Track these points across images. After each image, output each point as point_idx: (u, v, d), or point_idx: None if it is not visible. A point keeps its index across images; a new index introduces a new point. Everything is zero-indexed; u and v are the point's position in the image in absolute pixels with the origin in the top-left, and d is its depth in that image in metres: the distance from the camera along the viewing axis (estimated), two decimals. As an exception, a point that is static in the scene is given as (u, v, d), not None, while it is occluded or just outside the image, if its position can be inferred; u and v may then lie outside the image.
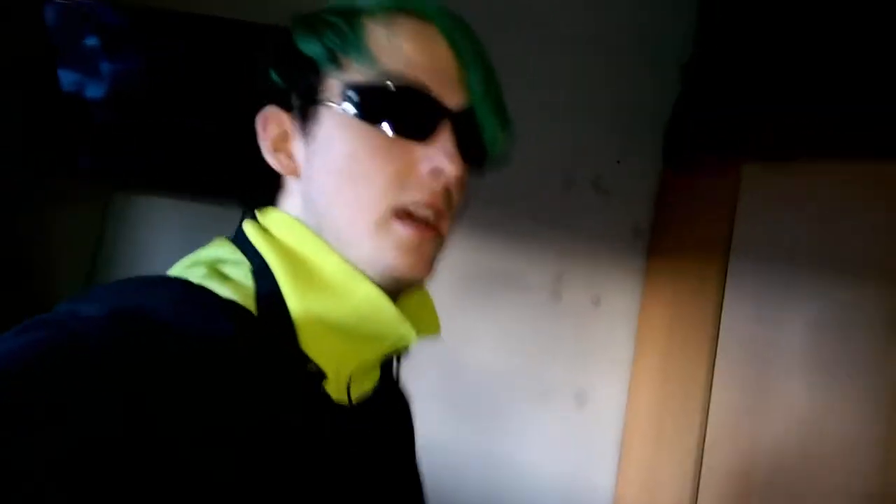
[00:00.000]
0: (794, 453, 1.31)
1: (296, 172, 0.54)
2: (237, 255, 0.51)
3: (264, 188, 0.56)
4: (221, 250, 0.52)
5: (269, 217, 0.55)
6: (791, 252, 1.34)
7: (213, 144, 1.50)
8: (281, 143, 0.54)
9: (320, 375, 0.49)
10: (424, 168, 0.50)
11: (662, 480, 1.55)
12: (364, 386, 0.55)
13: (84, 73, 1.48)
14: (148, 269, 1.61)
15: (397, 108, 0.50)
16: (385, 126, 0.50)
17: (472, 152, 0.54)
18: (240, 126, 0.57)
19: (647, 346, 1.72)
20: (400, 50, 0.51)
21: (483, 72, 0.53)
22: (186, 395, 0.40)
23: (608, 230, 1.78)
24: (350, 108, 0.50)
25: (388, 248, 0.50)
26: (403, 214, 0.50)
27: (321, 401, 0.50)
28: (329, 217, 0.51)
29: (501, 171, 0.62)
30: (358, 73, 0.51)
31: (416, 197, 0.50)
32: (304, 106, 0.53)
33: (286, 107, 0.54)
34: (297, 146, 0.53)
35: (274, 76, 0.54)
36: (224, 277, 0.50)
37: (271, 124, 0.55)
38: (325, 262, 0.50)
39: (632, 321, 1.79)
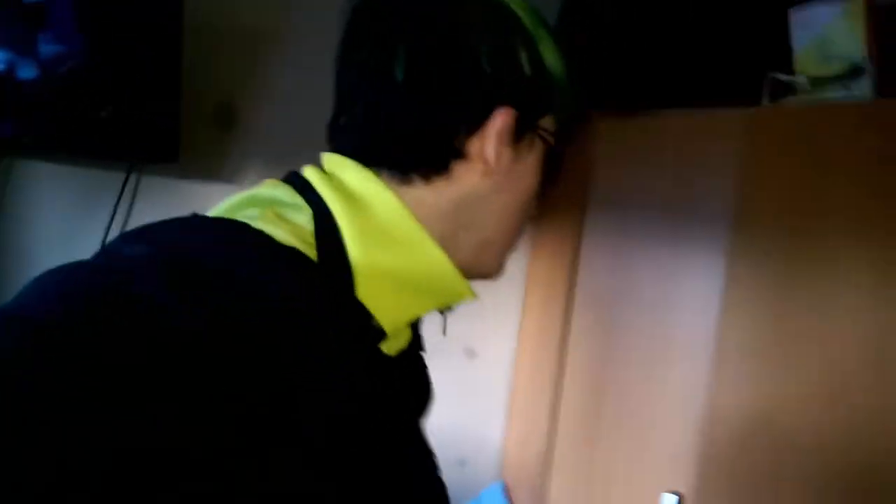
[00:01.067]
0: (640, 396, 1.38)
1: (490, 171, 0.53)
2: (296, 199, 0.49)
3: (433, 159, 0.52)
4: (279, 191, 0.50)
5: (347, 167, 0.52)
6: (645, 202, 1.41)
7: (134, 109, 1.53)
8: (501, 141, 0.53)
9: (380, 333, 0.49)
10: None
11: (534, 430, 1.62)
12: (402, 339, 0.56)
13: (16, 52, 1.53)
14: (38, 233, 1.64)
15: (561, 151, 0.56)
16: (552, 165, 0.56)
17: None
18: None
19: (532, 301, 1.79)
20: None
21: None
22: (243, 348, 0.36)
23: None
24: (553, 145, 0.55)
25: (505, 260, 0.59)
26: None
27: (376, 355, 0.50)
28: (482, 231, 0.54)
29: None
30: (563, 119, 0.56)
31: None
32: (527, 123, 0.53)
33: (508, 103, 0.52)
34: (505, 152, 0.53)
35: (527, 71, 0.52)
36: (281, 220, 0.47)
37: (508, 121, 0.52)
38: (396, 217, 0.50)
39: (522, 277, 1.87)
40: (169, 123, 1.58)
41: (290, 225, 0.46)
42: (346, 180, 0.51)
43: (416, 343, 0.61)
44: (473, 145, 0.52)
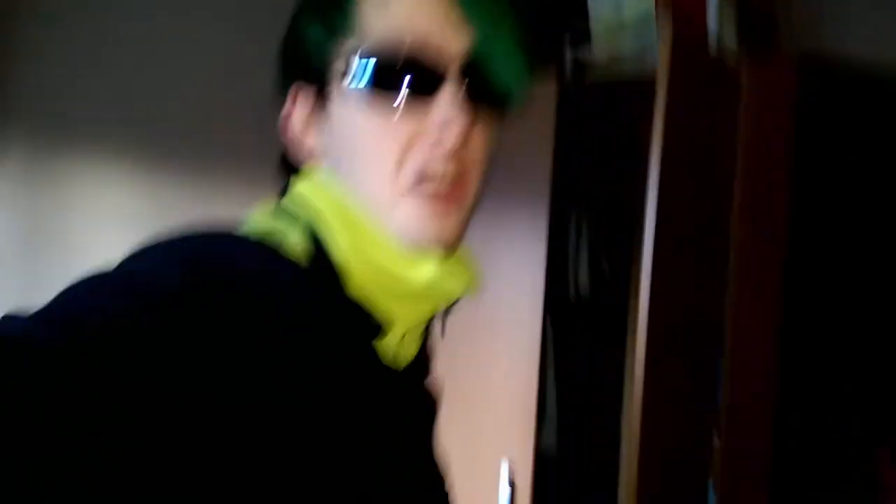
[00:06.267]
0: (471, 368, 1.39)
1: (316, 153, 0.55)
2: (286, 222, 0.52)
3: (291, 166, 0.57)
4: (271, 216, 0.54)
5: (312, 184, 0.55)
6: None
7: None
8: (308, 122, 0.55)
9: (379, 328, 0.51)
10: (432, 132, 0.50)
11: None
12: (410, 350, 0.56)
13: None
14: None
15: (393, 77, 0.51)
16: (387, 96, 0.51)
17: (491, 97, 0.53)
18: None
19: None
20: (393, 14, 0.51)
21: (488, 10, 0.53)
22: (257, 339, 0.42)
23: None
24: (353, 84, 0.51)
25: (411, 222, 0.51)
26: (421, 179, 0.51)
27: (377, 359, 0.52)
28: (357, 194, 0.53)
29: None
30: (354, 48, 0.52)
31: (430, 165, 0.51)
32: (317, 86, 0.54)
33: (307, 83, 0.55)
34: (318, 125, 0.55)
35: (288, 57, 0.56)
36: (279, 242, 0.51)
37: (299, 103, 0.56)
38: (376, 246, 0.52)
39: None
40: None
41: (287, 247, 0.51)
42: (316, 198, 0.54)
43: (421, 363, 0.61)
44: None
